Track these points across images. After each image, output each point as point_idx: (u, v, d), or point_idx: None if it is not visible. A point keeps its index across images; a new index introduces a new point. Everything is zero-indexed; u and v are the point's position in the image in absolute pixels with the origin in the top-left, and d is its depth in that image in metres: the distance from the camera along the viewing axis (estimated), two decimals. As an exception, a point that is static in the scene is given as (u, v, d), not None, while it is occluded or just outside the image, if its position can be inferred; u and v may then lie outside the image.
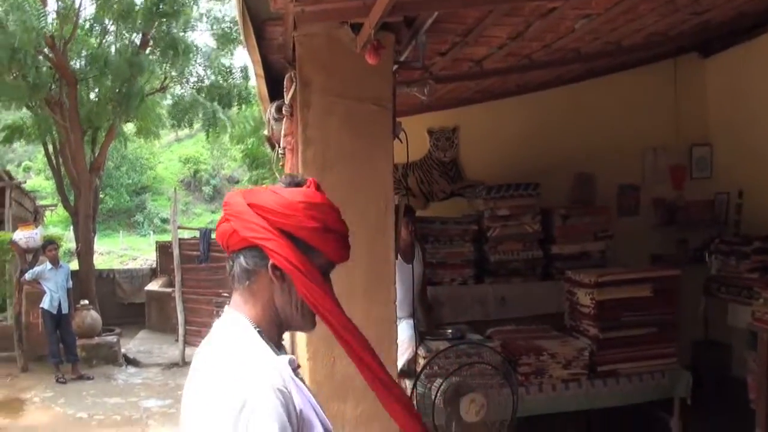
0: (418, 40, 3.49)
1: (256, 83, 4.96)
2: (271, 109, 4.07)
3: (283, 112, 3.76)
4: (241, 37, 3.68)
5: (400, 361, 5.38)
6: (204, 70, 15.49)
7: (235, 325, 1.60)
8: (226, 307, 1.66)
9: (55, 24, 12.72)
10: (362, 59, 3.13)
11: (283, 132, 4.17)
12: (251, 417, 1.39)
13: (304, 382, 1.65)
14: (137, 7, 13.35)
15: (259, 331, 1.58)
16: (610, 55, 5.44)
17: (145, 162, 36.85)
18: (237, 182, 33.97)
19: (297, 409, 1.47)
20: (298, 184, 1.64)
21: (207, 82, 15.39)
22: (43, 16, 11.41)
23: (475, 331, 5.82)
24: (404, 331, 5.53)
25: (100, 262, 22.75)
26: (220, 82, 15.15)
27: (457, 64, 5.01)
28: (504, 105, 7.18)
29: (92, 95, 14.64)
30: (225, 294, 10.63)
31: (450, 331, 5.71)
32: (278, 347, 1.63)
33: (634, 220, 7.29)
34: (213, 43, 15.77)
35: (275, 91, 4.39)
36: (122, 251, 30.94)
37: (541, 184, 6.71)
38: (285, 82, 3.66)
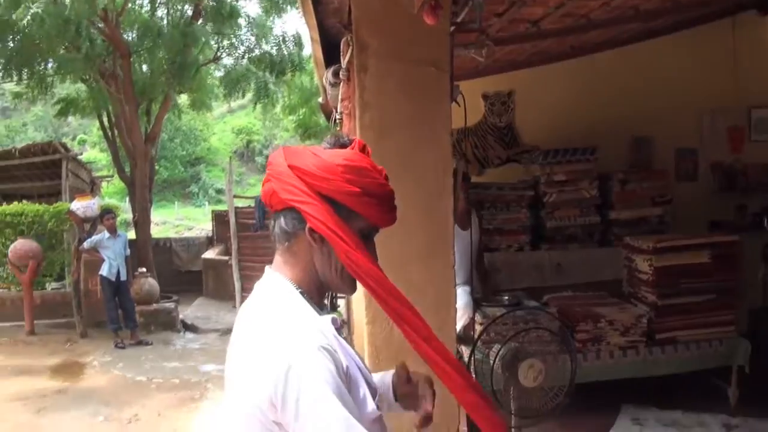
0: (474, 1, 3.42)
1: (312, 49, 4.93)
2: (328, 74, 4.05)
3: (341, 76, 3.74)
4: (297, 2, 3.66)
5: (457, 327, 5.39)
6: (256, 39, 15.40)
7: (276, 285, 1.58)
8: (267, 267, 1.64)
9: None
10: (419, 21, 3.07)
11: (340, 97, 4.15)
12: (300, 380, 1.36)
13: (348, 342, 1.63)
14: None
15: (301, 292, 1.56)
16: (669, 12, 5.29)
17: (198, 133, 37.10)
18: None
19: (344, 366, 1.45)
20: (343, 145, 1.59)
21: (257, 51, 15.32)
22: None
23: (532, 297, 5.78)
24: (460, 297, 5.52)
25: (156, 232, 23.07)
26: (271, 50, 15.10)
27: (513, 26, 4.91)
28: (560, 68, 7.05)
29: (145, 67, 14.74)
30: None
31: (506, 297, 5.69)
32: (320, 307, 1.60)
33: (692, 185, 7.14)
34: (261, 11, 15.71)
35: (331, 57, 4.35)
36: (177, 221, 31.32)
37: (598, 148, 6.59)
38: (342, 46, 3.63)
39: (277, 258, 1.63)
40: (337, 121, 4.84)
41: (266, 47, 15.18)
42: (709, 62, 7.01)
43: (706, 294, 5.30)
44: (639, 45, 6.89)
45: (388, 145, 3.29)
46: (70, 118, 22.14)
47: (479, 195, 6.45)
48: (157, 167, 21.45)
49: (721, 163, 7.19)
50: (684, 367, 5.25)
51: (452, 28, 3.72)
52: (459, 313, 5.32)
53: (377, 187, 1.54)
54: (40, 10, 11.17)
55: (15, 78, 13.76)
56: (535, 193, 6.64)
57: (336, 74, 3.87)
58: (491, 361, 4.08)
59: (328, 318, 1.54)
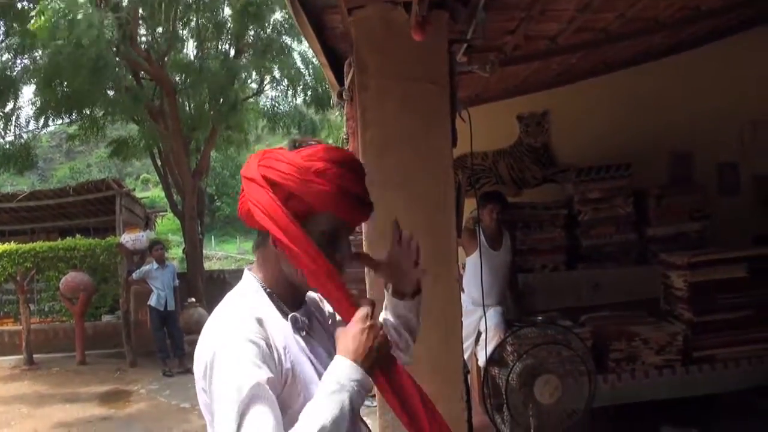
0: (477, 17, 3.41)
1: (325, 74, 4.98)
2: (334, 95, 4.09)
3: (344, 97, 3.77)
4: (297, 27, 3.71)
5: (489, 348, 5.32)
6: (303, 72, 15.46)
7: (243, 284, 1.67)
8: (245, 268, 1.73)
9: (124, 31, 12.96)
10: (417, 40, 3.08)
11: (344, 117, 4.18)
12: (221, 366, 1.44)
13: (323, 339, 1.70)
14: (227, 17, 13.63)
15: (269, 292, 1.63)
16: (690, 21, 5.15)
17: (259, 169, 37.58)
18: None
19: (284, 363, 1.50)
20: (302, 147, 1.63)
21: (301, 84, 15.37)
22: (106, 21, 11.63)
23: (568, 318, 5.67)
24: (492, 318, 5.47)
25: (217, 266, 23.47)
26: (314, 83, 15.17)
27: (531, 43, 4.85)
28: (593, 85, 6.92)
29: (191, 104, 15.01)
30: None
31: (540, 318, 5.59)
32: (295, 307, 1.67)
33: (734, 199, 6.88)
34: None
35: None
36: (239, 256, 31.70)
37: (637, 165, 6.45)
38: (345, 68, 3.67)
39: (255, 260, 1.71)
40: (344, 141, 4.86)
41: (309, 79, 15.26)
42: (748, 71, 6.76)
43: (745, 309, 5.15)
44: (673, 58, 6.72)
45: (390, 161, 3.30)
46: (133, 158, 22.56)
47: (513, 215, 6.36)
48: (219, 204, 21.58)
49: (764, 177, 6.93)
50: (723, 386, 5.07)
51: (464, 47, 3.72)
52: (490, 335, 5.27)
53: (351, 183, 1.57)
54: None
55: (66, 120, 14.23)
56: (570, 212, 6.51)
57: (340, 96, 3.91)
58: (506, 377, 4.01)
59: (288, 316, 1.61)
